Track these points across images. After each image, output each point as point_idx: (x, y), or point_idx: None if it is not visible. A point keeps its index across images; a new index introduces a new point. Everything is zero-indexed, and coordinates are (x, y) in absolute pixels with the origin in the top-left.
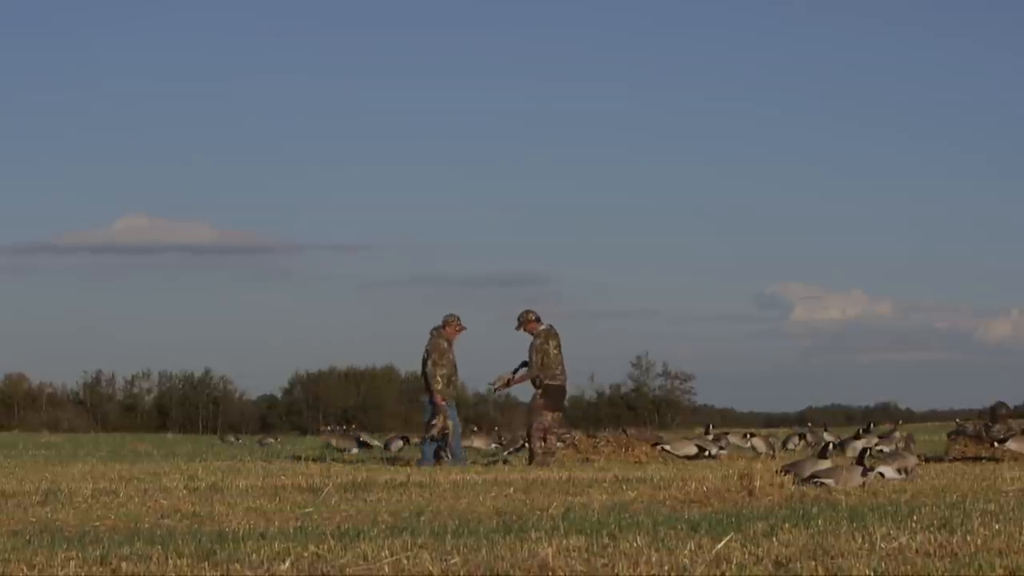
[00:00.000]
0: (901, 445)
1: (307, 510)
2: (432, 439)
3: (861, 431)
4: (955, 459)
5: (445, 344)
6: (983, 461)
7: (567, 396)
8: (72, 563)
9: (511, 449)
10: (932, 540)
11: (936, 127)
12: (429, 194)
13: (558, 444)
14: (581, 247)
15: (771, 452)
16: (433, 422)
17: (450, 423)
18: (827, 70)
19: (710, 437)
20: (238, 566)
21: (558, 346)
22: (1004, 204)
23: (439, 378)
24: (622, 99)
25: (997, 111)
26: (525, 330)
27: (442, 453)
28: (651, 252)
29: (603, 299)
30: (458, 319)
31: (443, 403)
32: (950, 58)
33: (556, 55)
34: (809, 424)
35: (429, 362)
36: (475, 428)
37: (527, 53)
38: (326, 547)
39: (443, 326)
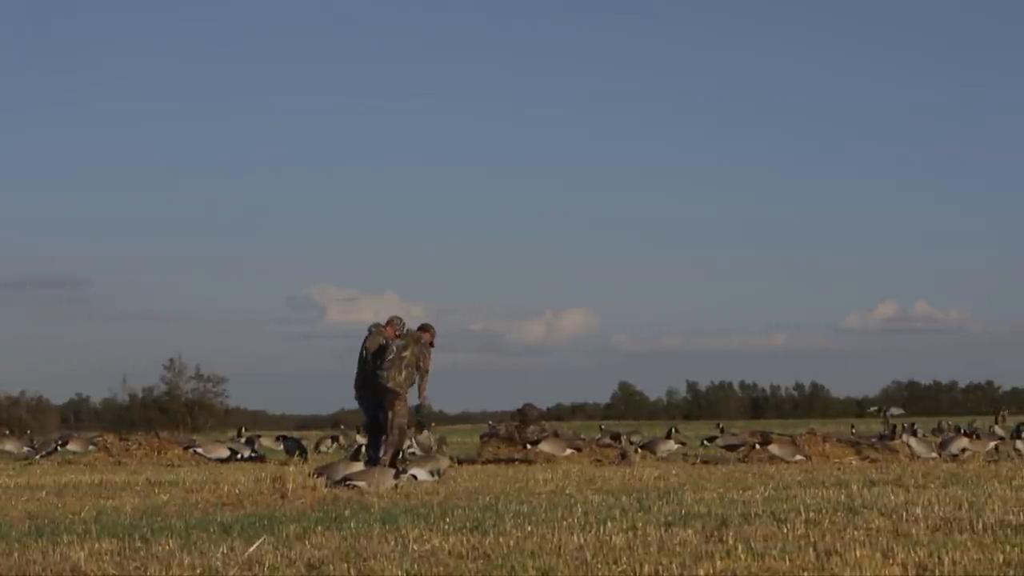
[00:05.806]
0: (434, 447)
1: None
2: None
3: None
4: (488, 461)
5: (382, 341)
6: (516, 463)
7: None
8: None
9: (43, 452)
10: (465, 542)
11: (483, 132)
12: None
13: None
14: (116, 248)
15: (304, 454)
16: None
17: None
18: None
19: (243, 440)
20: None
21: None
22: (536, 207)
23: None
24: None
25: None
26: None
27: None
28: (186, 253)
29: (137, 301)
30: (402, 322)
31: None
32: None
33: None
34: (342, 426)
35: (364, 352)
36: (7, 432)
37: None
38: None
39: (385, 324)
